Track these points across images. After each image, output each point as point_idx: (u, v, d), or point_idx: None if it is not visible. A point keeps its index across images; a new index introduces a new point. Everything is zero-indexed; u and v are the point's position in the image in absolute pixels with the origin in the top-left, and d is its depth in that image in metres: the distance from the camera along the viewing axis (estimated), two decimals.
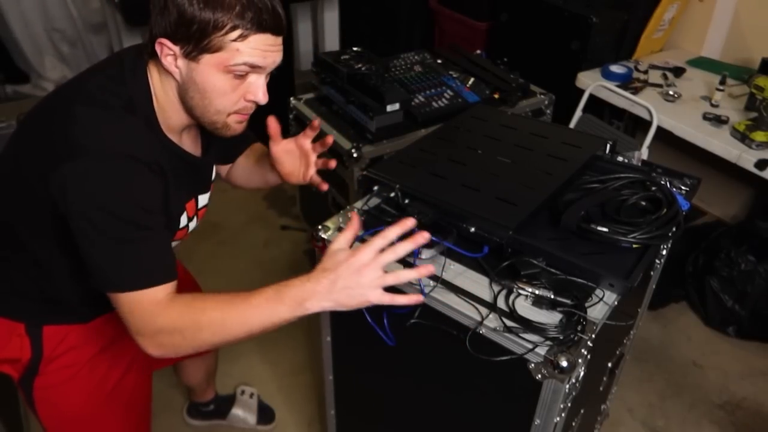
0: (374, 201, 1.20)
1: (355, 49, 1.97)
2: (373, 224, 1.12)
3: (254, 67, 0.93)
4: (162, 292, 0.92)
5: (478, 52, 2.31)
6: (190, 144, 1.10)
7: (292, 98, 2.07)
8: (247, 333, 0.92)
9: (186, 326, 0.91)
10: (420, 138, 1.38)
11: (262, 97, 0.97)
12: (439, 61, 2.18)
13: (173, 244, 1.15)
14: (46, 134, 0.95)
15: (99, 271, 0.92)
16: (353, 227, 0.94)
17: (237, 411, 1.91)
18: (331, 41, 3.23)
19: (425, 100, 1.92)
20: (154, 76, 0.98)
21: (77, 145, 0.90)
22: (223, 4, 0.87)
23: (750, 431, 1.95)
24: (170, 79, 0.96)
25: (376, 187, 1.20)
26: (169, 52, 0.91)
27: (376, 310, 1.11)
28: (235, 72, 0.92)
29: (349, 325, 1.24)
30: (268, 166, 1.25)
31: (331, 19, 3.18)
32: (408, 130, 1.83)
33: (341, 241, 0.93)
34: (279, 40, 0.94)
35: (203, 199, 1.19)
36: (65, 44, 3.62)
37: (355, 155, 1.75)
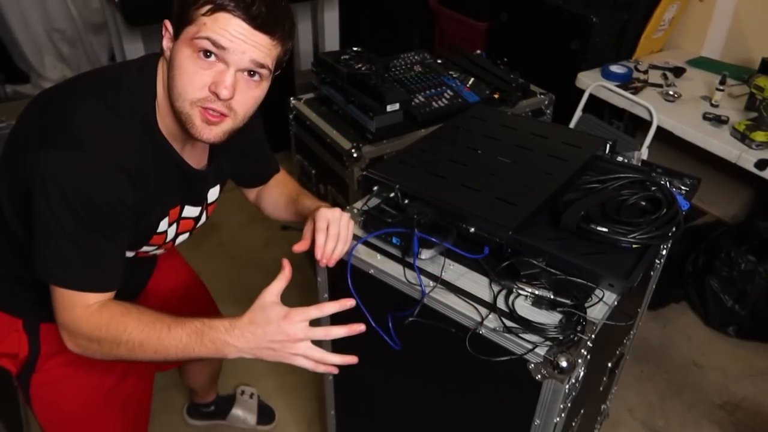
0: (374, 201, 1.20)
1: (355, 49, 1.97)
2: (375, 225, 1.12)
3: (218, 47, 0.86)
4: (94, 298, 0.94)
5: (478, 52, 2.31)
6: (194, 155, 1.08)
7: (292, 98, 2.07)
8: (162, 358, 0.95)
9: (105, 338, 0.93)
10: (420, 138, 1.38)
11: (224, 91, 0.88)
12: (439, 61, 2.18)
13: (151, 250, 1.15)
14: (41, 120, 0.95)
15: (42, 258, 0.92)
16: (285, 278, 0.98)
17: (237, 411, 1.91)
18: (331, 41, 3.23)
19: (425, 100, 1.92)
20: (161, 74, 0.96)
21: (66, 135, 0.89)
22: None
23: (750, 431, 1.95)
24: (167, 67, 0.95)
25: (376, 187, 1.20)
26: (167, 32, 0.92)
27: (380, 315, 1.11)
28: (199, 47, 0.87)
29: None
30: (300, 213, 1.21)
31: (331, 19, 3.18)
32: (408, 130, 1.83)
33: (272, 293, 0.96)
34: (259, 36, 0.88)
35: (191, 211, 1.15)
36: (65, 44, 3.62)
37: (355, 155, 1.75)
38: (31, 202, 0.90)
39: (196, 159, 1.09)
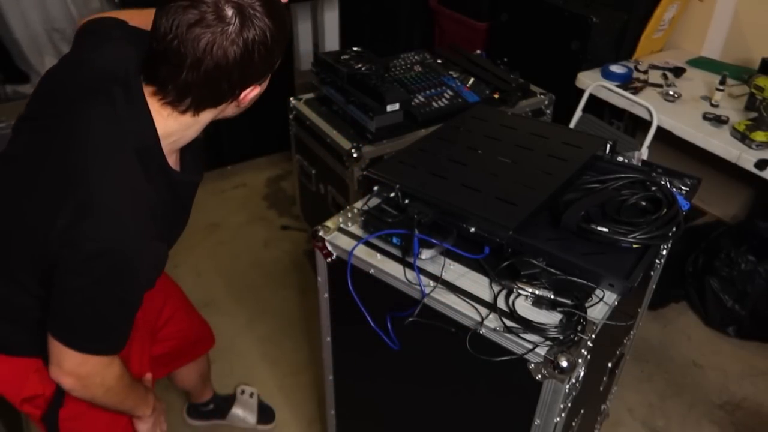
0: (374, 201, 1.20)
1: (355, 49, 1.97)
2: (375, 225, 1.12)
3: None
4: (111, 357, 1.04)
5: (478, 52, 2.31)
6: (175, 162, 1.07)
7: (292, 98, 2.07)
8: (121, 408, 1.16)
9: (113, 387, 1.07)
10: (420, 138, 1.38)
11: None
12: (439, 61, 2.18)
13: None
14: (52, 168, 0.94)
15: (66, 325, 0.97)
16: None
17: (237, 410, 1.91)
18: (331, 41, 3.23)
19: (425, 100, 1.92)
20: (163, 109, 0.94)
21: (97, 202, 0.90)
22: (282, 41, 0.93)
23: (750, 431, 1.95)
24: (207, 113, 0.97)
25: (376, 187, 1.20)
26: (252, 92, 0.96)
27: (380, 315, 1.11)
28: None
29: (350, 326, 1.24)
30: None
31: (331, 19, 3.17)
32: (408, 130, 1.83)
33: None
34: None
35: None
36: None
37: (355, 155, 1.75)
38: (57, 267, 0.92)
39: (176, 164, 1.09)
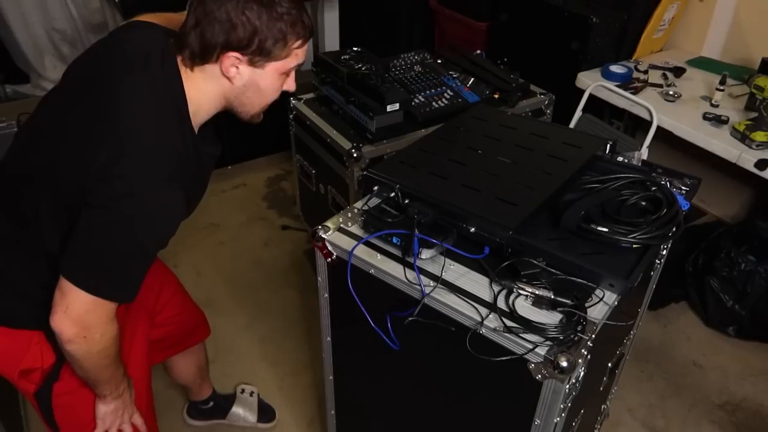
0: (374, 201, 1.20)
1: (355, 49, 1.97)
2: (375, 225, 1.12)
3: (298, 66, 1.08)
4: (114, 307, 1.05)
5: (478, 52, 2.31)
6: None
7: (292, 98, 2.07)
8: (99, 371, 1.12)
9: (106, 338, 1.06)
10: (420, 138, 1.38)
11: (294, 86, 1.12)
12: (439, 61, 2.18)
13: None
14: (87, 118, 1.01)
15: (83, 263, 0.99)
16: None
17: (237, 410, 1.91)
18: (331, 41, 3.23)
19: (425, 100, 1.92)
20: (195, 76, 1.04)
21: (131, 143, 0.97)
22: (288, 20, 1.00)
23: (750, 431, 1.95)
24: (213, 80, 1.04)
25: (376, 187, 1.20)
26: (235, 62, 1.01)
27: (380, 315, 1.11)
28: (289, 71, 1.07)
29: (350, 326, 1.24)
30: None
31: (331, 19, 3.17)
32: (408, 130, 1.83)
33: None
34: None
35: None
36: (65, 44, 3.61)
37: (355, 155, 1.75)
38: (87, 205, 0.96)
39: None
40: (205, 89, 1.05)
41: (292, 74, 1.10)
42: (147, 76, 1.01)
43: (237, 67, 1.02)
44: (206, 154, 1.14)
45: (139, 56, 1.03)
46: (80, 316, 1.00)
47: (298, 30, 1.02)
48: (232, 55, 1.00)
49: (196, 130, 1.09)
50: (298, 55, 1.06)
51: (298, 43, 1.04)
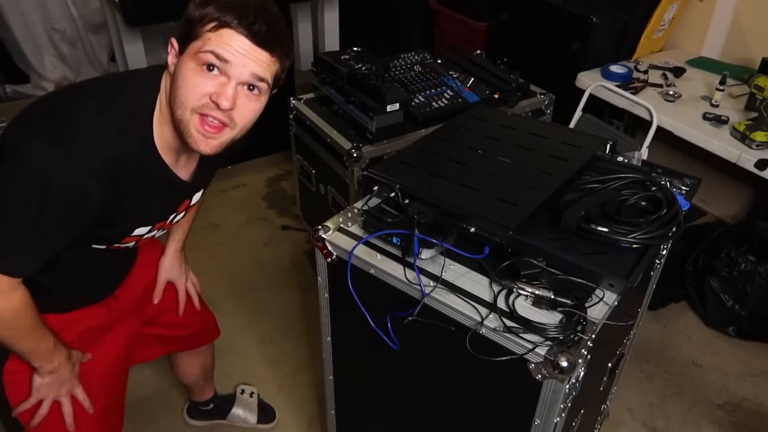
0: (374, 201, 1.20)
1: (355, 49, 1.97)
2: (375, 225, 1.12)
3: (221, 60, 0.92)
4: (5, 280, 1.00)
5: (478, 52, 2.31)
6: (187, 166, 1.13)
7: (292, 98, 2.07)
8: (15, 347, 1.10)
9: (5, 318, 1.03)
10: (420, 138, 1.38)
11: (225, 102, 0.94)
12: (439, 61, 2.18)
13: (123, 246, 1.20)
14: (40, 108, 1.00)
15: None
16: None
17: (237, 410, 1.91)
18: (331, 41, 3.23)
19: (425, 100, 1.92)
20: (163, 88, 1.02)
21: (55, 128, 0.95)
22: (220, 4, 0.92)
23: (750, 431, 1.95)
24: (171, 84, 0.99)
25: (376, 187, 1.20)
26: (172, 49, 0.97)
27: (380, 315, 1.11)
28: (203, 60, 0.93)
29: (350, 326, 1.24)
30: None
31: (331, 19, 3.17)
32: (408, 130, 1.83)
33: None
34: (260, 52, 0.94)
35: (178, 217, 1.24)
36: (65, 44, 3.61)
37: (355, 155, 1.75)
38: None
39: (187, 170, 1.14)
40: (164, 99, 1.02)
41: (225, 83, 0.94)
42: (118, 100, 1.00)
43: (175, 56, 0.98)
44: (181, 182, 1.12)
45: (130, 73, 1.05)
46: None
47: (217, 13, 0.91)
48: (171, 42, 0.97)
49: (175, 156, 1.08)
50: (211, 39, 0.92)
51: (211, 25, 0.92)
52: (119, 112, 0.98)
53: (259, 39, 0.93)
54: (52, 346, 1.14)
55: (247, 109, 0.99)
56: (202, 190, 1.27)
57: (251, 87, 0.97)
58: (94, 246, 1.13)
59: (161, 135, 1.03)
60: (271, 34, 0.94)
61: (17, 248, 0.98)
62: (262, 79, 0.96)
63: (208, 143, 0.99)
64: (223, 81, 0.94)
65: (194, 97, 0.95)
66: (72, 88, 1.04)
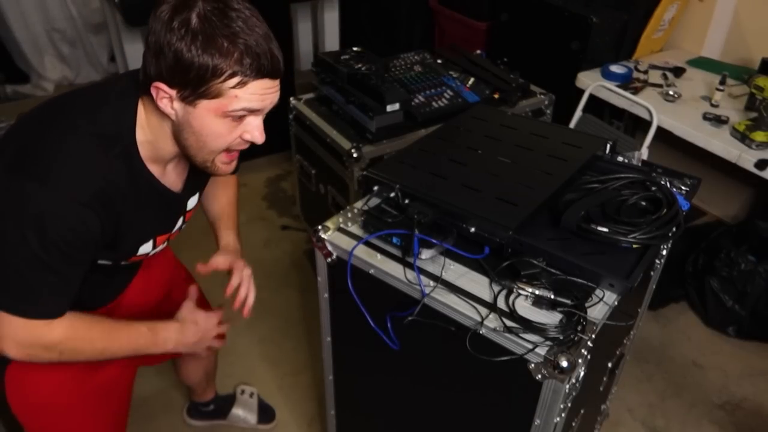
0: (374, 201, 1.20)
1: (355, 49, 1.97)
2: (375, 225, 1.12)
3: (252, 111, 0.92)
4: (39, 322, 0.98)
5: (478, 52, 2.31)
6: (174, 176, 1.10)
7: (292, 98, 2.07)
8: (114, 358, 1.12)
9: (68, 349, 1.02)
10: (420, 138, 1.38)
11: (259, 137, 0.96)
12: (439, 61, 2.18)
13: (130, 264, 1.19)
14: (19, 141, 0.96)
15: None
16: (195, 292, 1.26)
17: (237, 410, 1.92)
18: (331, 41, 3.23)
19: (425, 100, 1.92)
20: (147, 109, 0.97)
21: (36, 165, 0.91)
22: (221, 49, 0.85)
23: (750, 431, 1.95)
24: (166, 118, 0.95)
25: (376, 187, 1.20)
26: (164, 95, 0.90)
27: (380, 315, 1.11)
28: (234, 116, 0.91)
29: (350, 326, 1.24)
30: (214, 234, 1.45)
31: (331, 19, 3.18)
32: (408, 130, 1.83)
33: (190, 307, 1.21)
34: (276, 82, 0.93)
35: (177, 225, 1.21)
36: (65, 44, 3.62)
37: (355, 155, 1.75)
38: None
39: (175, 179, 1.11)
40: (154, 124, 0.97)
41: (252, 121, 0.94)
42: (102, 103, 0.97)
43: (170, 101, 0.90)
44: (173, 193, 1.09)
45: (106, 85, 1.00)
46: (10, 334, 0.96)
47: (235, 65, 0.86)
48: (159, 86, 0.88)
49: (163, 166, 1.04)
50: (239, 97, 0.88)
51: (234, 81, 0.87)
52: (102, 136, 0.95)
53: (276, 73, 0.92)
54: (148, 331, 1.11)
55: (262, 128, 0.98)
56: (197, 194, 1.24)
57: None
58: (100, 262, 1.11)
59: (146, 151, 0.99)
60: (277, 58, 0.91)
61: (36, 292, 0.96)
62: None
63: (231, 167, 1.03)
64: (252, 119, 0.94)
65: (225, 143, 0.95)
66: (46, 115, 0.98)
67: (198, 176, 1.17)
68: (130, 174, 0.99)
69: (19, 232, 0.90)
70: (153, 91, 0.90)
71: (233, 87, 0.88)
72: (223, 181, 1.39)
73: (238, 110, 0.90)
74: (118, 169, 0.97)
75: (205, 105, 0.89)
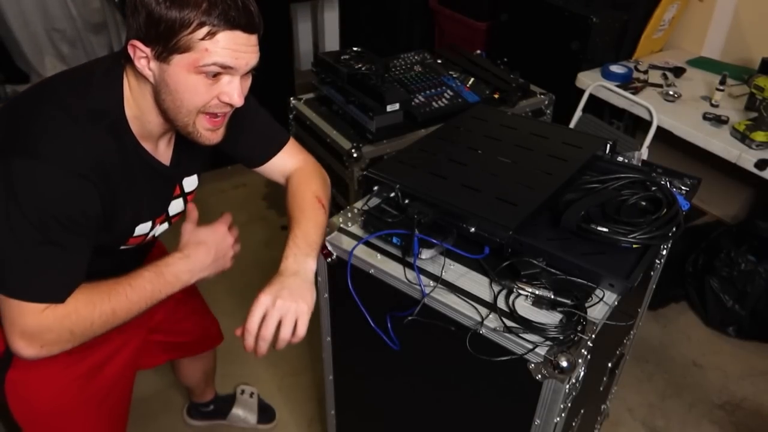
0: (374, 201, 1.20)
1: (355, 49, 1.97)
2: (375, 225, 1.12)
3: (226, 68, 0.90)
4: (44, 306, 0.93)
5: (478, 52, 2.31)
6: (167, 155, 1.09)
7: (292, 98, 2.07)
8: (132, 316, 1.01)
9: (76, 325, 0.95)
10: (420, 138, 1.38)
11: (238, 99, 0.94)
12: (439, 61, 2.18)
13: (130, 247, 1.15)
14: (4, 126, 0.94)
15: None
16: (194, 215, 1.13)
17: (237, 411, 1.92)
18: (331, 41, 3.24)
19: (425, 100, 1.92)
20: (131, 80, 0.96)
21: (25, 143, 0.89)
22: (189, 1, 0.85)
23: (750, 431, 1.95)
24: (146, 83, 0.94)
25: (376, 187, 1.20)
26: (141, 54, 0.90)
27: (380, 315, 1.11)
28: (207, 72, 0.89)
29: (350, 326, 1.24)
30: None
31: (331, 19, 3.18)
32: (408, 130, 1.83)
33: (191, 226, 1.10)
34: (252, 39, 0.91)
35: (176, 207, 1.18)
36: (65, 44, 3.62)
37: (355, 155, 1.75)
38: None
39: (166, 155, 1.10)
40: (137, 95, 0.96)
41: (230, 81, 0.92)
42: (86, 80, 0.96)
43: (147, 61, 0.90)
44: (165, 167, 1.08)
45: (91, 64, 0.99)
46: (21, 324, 0.92)
47: (203, 15, 0.85)
48: (136, 44, 0.88)
49: (154, 143, 1.03)
50: (210, 50, 0.87)
51: (203, 32, 0.86)
52: (89, 112, 0.94)
53: (250, 26, 0.90)
54: (153, 274, 1.02)
55: (244, 89, 0.96)
56: (195, 176, 1.22)
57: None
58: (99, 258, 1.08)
59: (136, 127, 0.99)
60: (251, 13, 0.90)
61: (43, 272, 0.92)
62: (256, 66, 0.95)
63: (216, 135, 0.99)
64: (227, 80, 0.92)
65: (201, 101, 0.93)
66: (31, 96, 0.97)
67: (193, 156, 1.15)
68: (121, 148, 0.98)
69: (19, 212, 0.87)
70: (130, 50, 0.90)
71: (203, 39, 0.86)
72: (301, 181, 1.23)
73: (210, 65, 0.88)
74: (110, 142, 0.95)
75: (177, 61, 0.88)
